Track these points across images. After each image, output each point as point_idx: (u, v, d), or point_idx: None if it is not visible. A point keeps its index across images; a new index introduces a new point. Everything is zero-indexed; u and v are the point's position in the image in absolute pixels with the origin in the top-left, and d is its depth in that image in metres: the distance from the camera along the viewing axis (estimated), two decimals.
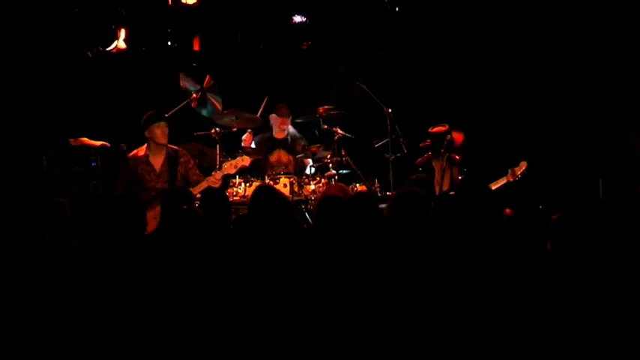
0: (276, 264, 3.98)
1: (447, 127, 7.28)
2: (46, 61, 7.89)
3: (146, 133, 6.83)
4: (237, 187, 7.44)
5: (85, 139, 7.23)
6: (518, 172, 7.10)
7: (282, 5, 8.92)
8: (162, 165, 6.86)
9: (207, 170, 7.57)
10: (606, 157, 7.86)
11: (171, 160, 6.87)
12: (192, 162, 7.01)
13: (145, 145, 6.92)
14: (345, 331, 3.71)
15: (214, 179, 6.83)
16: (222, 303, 3.82)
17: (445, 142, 7.19)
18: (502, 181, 7.08)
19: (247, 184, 7.42)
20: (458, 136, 7.42)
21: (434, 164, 7.32)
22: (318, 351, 3.70)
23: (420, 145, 7.48)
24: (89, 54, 8.23)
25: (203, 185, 6.72)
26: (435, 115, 7.93)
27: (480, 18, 8.49)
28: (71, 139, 7.21)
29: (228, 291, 3.87)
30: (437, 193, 6.92)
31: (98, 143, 7.18)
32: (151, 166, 6.84)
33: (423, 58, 8.92)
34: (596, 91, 7.96)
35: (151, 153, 6.87)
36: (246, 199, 7.14)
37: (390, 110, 7.70)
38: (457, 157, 7.28)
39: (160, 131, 6.81)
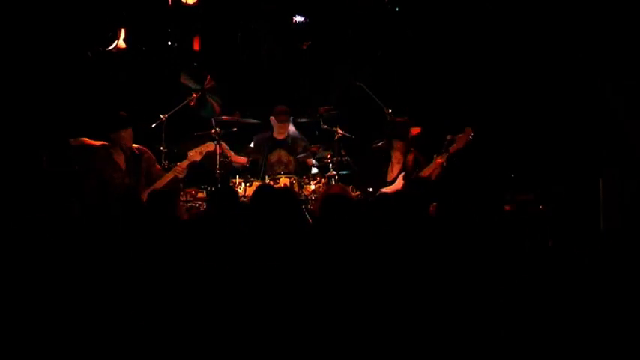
0: (277, 264, 3.98)
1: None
2: (46, 61, 7.89)
3: (112, 135, 6.85)
4: (237, 187, 7.45)
5: (85, 139, 7.25)
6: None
7: (282, 5, 8.92)
8: (127, 162, 6.91)
9: (207, 170, 7.59)
10: (606, 157, 7.86)
11: (135, 157, 6.94)
12: (153, 158, 7.07)
13: (105, 144, 6.95)
14: (346, 331, 3.71)
15: (180, 169, 6.88)
16: (222, 302, 3.83)
17: (409, 135, 7.29)
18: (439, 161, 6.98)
19: (247, 184, 7.43)
20: (415, 130, 7.47)
21: (392, 153, 7.30)
22: (318, 351, 3.70)
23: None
24: (89, 54, 8.23)
25: (169, 177, 6.85)
26: (434, 115, 7.94)
27: (480, 17, 8.49)
28: (71, 139, 7.22)
29: (229, 290, 3.87)
30: (388, 179, 7.18)
31: (98, 143, 7.19)
32: (117, 164, 6.89)
33: (423, 57, 8.91)
34: (596, 91, 7.95)
35: (114, 151, 6.91)
36: (246, 199, 7.15)
37: (390, 110, 7.71)
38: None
39: (127, 136, 6.88)
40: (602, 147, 7.83)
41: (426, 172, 6.96)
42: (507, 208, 5.59)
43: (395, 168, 7.25)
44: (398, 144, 7.27)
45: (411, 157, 7.26)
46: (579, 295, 3.80)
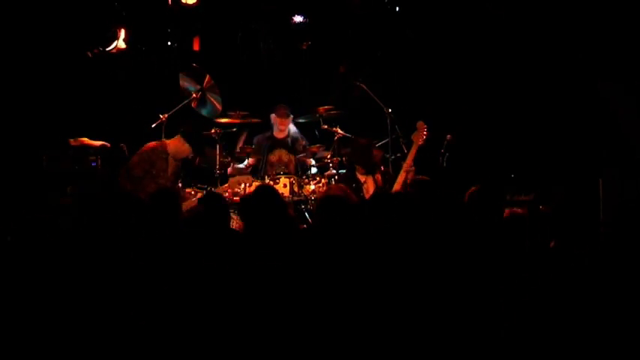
0: (276, 264, 3.98)
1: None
2: (46, 61, 7.89)
3: (180, 139, 7.07)
4: (237, 187, 7.44)
5: (85, 139, 7.25)
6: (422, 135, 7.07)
7: (282, 5, 8.92)
8: (175, 170, 7.12)
9: (207, 170, 7.58)
10: (606, 157, 7.85)
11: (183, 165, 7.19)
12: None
13: (170, 142, 7.14)
14: (344, 331, 3.71)
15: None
16: (221, 303, 3.83)
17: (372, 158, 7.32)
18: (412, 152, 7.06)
19: (247, 185, 7.42)
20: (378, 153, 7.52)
21: (360, 176, 7.29)
22: (317, 352, 3.70)
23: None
24: (89, 54, 8.23)
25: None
26: (434, 115, 7.93)
27: (479, 17, 8.49)
28: (71, 139, 7.22)
29: (227, 292, 3.87)
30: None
31: (98, 143, 7.20)
32: (167, 165, 7.06)
33: (423, 57, 8.92)
34: (596, 91, 7.95)
35: (171, 154, 7.10)
36: None
37: (390, 110, 7.70)
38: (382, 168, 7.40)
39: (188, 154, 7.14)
40: (602, 147, 7.83)
41: (398, 183, 6.95)
42: (508, 210, 5.58)
43: (370, 189, 7.19)
44: (359, 168, 7.31)
45: (379, 176, 7.25)
46: (579, 295, 3.80)
